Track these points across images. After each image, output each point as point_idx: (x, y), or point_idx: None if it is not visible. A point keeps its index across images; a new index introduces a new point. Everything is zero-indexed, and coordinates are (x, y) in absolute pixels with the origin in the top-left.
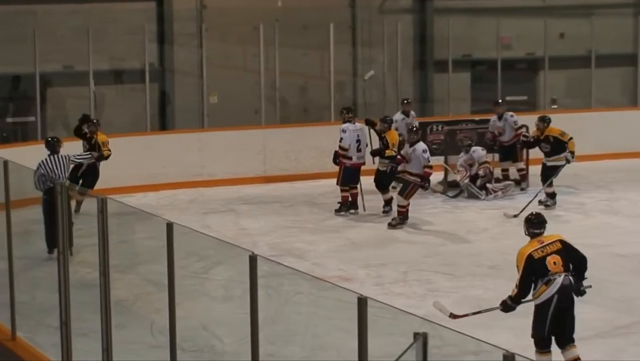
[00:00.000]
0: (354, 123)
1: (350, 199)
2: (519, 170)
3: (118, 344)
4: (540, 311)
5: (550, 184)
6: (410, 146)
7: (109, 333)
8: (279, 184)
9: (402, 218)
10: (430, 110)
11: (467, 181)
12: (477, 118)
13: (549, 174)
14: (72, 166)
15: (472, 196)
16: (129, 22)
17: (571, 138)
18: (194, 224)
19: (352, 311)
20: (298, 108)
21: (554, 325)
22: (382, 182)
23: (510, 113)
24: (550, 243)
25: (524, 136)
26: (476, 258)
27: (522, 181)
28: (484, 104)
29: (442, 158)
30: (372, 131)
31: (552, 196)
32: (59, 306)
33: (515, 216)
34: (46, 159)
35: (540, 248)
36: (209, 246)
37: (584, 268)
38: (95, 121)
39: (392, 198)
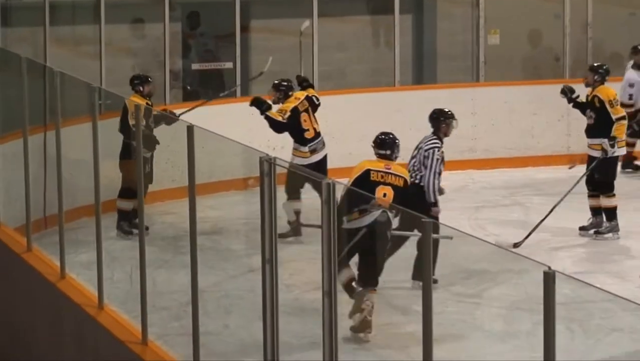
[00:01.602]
0: None
1: None
2: None
3: None
4: (345, 239)
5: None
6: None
7: None
8: None
9: None
10: None
11: None
12: None
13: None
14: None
15: None
16: None
17: (623, 118)
18: (461, 224)
19: None
20: (620, 55)
21: (348, 258)
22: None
23: None
24: (395, 175)
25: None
26: None
27: None
28: None
29: None
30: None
31: (610, 215)
32: (263, 340)
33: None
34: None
35: (383, 172)
36: (482, 256)
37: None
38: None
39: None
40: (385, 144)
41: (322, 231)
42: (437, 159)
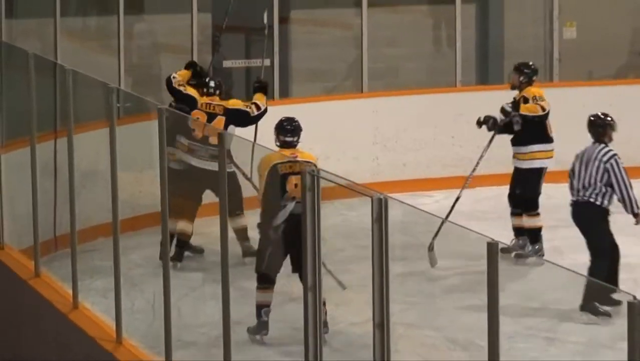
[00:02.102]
0: None
1: None
2: None
3: None
4: (262, 240)
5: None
6: None
7: None
8: None
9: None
10: None
11: None
12: None
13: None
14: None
15: None
16: None
17: (545, 112)
18: None
19: None
20: None
21: (276, 259)
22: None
23: None
24: (304, 162)
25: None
26: None
27: None
28: None
29: None
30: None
31: (534, 237)
32: None
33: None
34: None
35: (291, 162)
36: (559, 283)
37: None
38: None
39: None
40: (294, 131)
41: (371, 254)
42: (623, 168)
